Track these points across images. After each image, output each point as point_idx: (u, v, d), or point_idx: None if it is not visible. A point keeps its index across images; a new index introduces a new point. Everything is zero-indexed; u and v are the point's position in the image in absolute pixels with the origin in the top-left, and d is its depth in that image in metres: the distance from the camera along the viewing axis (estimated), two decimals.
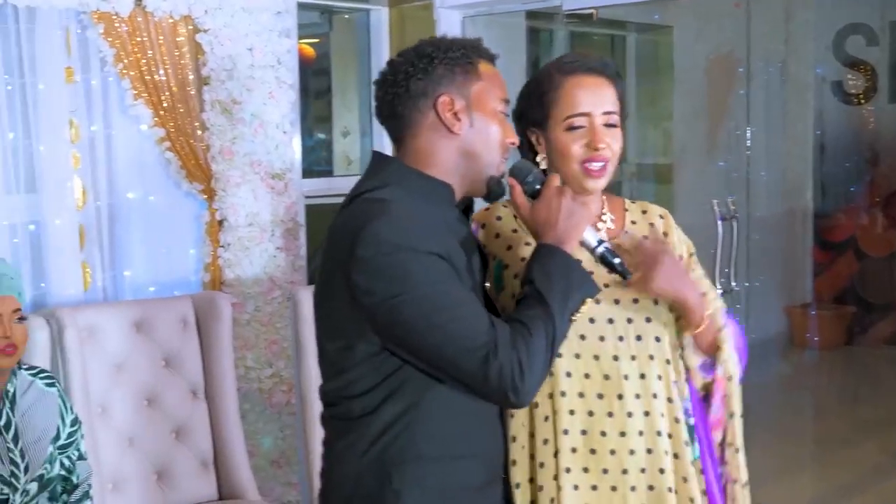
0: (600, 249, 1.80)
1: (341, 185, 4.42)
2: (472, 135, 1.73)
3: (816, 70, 7.18)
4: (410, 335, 1.60)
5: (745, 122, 6.29)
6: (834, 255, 7.34)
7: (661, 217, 2.03)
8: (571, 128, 1.88)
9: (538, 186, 1.78)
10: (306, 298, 3.18)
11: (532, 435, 1.89)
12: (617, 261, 1.80)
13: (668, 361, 1.91)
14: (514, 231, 1.97)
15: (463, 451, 1.71)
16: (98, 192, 3.44)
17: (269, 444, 3.72)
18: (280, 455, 3.73)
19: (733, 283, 4.28)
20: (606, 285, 1.88)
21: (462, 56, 1.74)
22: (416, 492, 1.66)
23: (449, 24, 4.52)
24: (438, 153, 1.73)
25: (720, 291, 4.18)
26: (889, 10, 7.03)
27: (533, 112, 1.93)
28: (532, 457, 1.88)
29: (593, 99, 1.89)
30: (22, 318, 2.53)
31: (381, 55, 4.50)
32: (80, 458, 2.67)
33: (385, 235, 1.60)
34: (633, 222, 2.01)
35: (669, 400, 1.91)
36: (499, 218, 2.00)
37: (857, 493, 4.50)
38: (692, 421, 1.94)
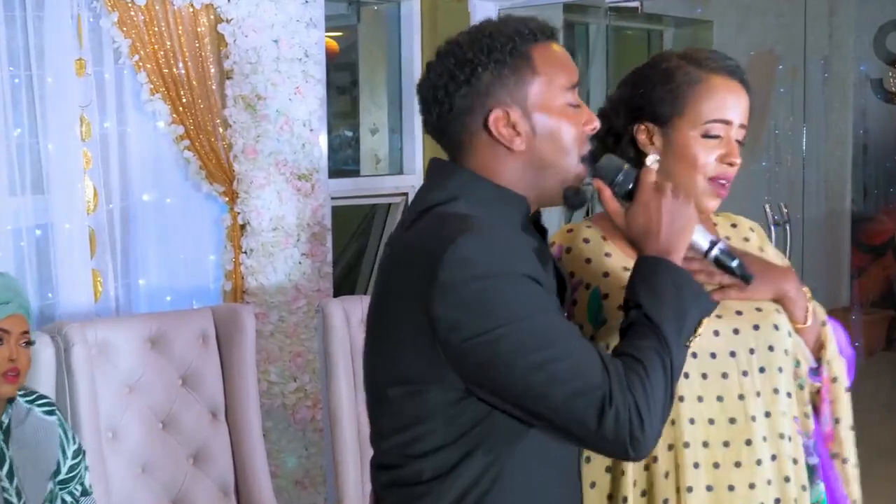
0: (715, 252, 1.51)
1: (369, 185, 4.26)
2: (538, 144, 1.46)
3: (859, 67, 7.02)
4: (509, 378, 1.33)
5: (788, 122, 6.12)
6: (873, 258, 7.24)
7: (752, 230, 1.83)
8: (708, 135, 1.63)
9: (631, 186, 1.50)
10: (336, 308, 3.00)
11: (645, 493, 1.63)
12: (736, 263, 1.51)
13: (788, 395, 1.67)
14: (608, 255, 1.72)
15: None
16: (111, 193, 3.27)
17: (294, 464, 3.55)
18: (305, 475, 3.56)
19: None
20: (719, 316, 1.62)
21: (511, 52, 1.44)
22: None
23: (484, 17, 4.32)
24: (502, 171, 1.46)
25: None
26: None
27: (656, 104, 1.67)
28: None
29: (737, 107, 1.65)
30: (29, 343, 2.32)
31: (412, 49, 4.31)
32: (84, 493, 2.44)
33: (475, 257, 1.34)
34: (727, 238, 1.75)
35: (790, 439, 1.67)
36: (586, 241, 1.75)
37: None
38: (813, 461, 1.71)
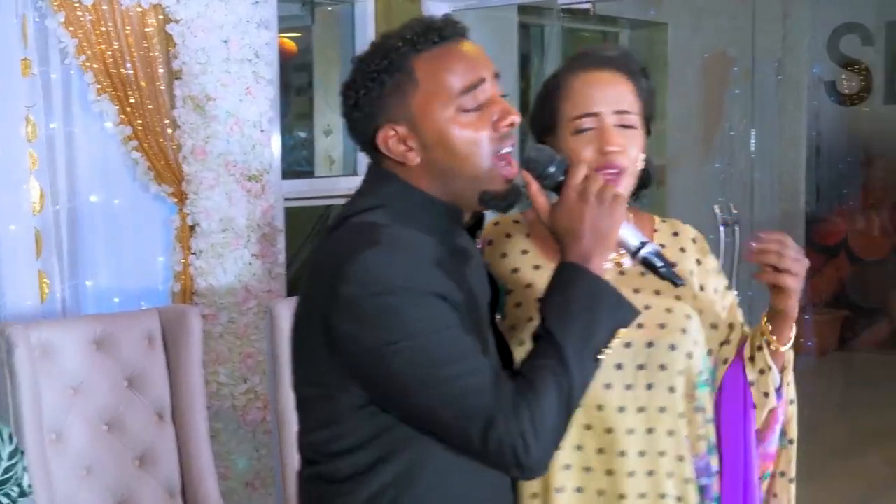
0: (644, 252, 1.48)
1: (323, 186, 4.26)
2: (433, 155, 1.42)
3: (812, 70, 7.12)
4: (400, 392, 1.34)
5: (742, 123, 6.19)
6: (826, 259, 7.34)
7: (694, 241, 1.78)
8: (579, 130, 1.63)
9: (562, 178, 1.45)
10: (284, 309, 2.96)
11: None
12: (662, 265, 1.48)
13: (681, 415, 1.66)
14: (525, 252, 1.72)
15: None
16: (57, 194, 3.24)
17: (244, 465, 3.54)
18: (255, 476, 3.55)
19: (735, 293, 4.14)
20: (619, 365, 1.64)
21: (388, 69, 1.41)
22: None
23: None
24: (417, 181, 1.44)
25: None
26: (885, 9, 7.00)
27: (541, 118, 1.70)
28: None
29: (603, 96, 1.63)
30: None
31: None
32: (23, 494, 2.42)
33: (376, 272, 1.33)
34: (663, 245, 1.73)
35: (680, 459, 1.66)
36: (508, 235, 1.76)
37: None
38: (703, 482, 1.70)
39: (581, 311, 1.36)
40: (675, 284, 1.51)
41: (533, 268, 1.70)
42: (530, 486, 1.64)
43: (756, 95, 6.43)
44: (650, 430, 1.63)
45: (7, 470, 2.37)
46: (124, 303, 3.38)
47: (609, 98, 1.63)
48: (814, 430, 5.64)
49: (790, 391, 1.73)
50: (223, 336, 3.46)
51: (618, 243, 1.46)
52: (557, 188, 1.45)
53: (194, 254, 3.44)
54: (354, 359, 1.35)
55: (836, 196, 7.42)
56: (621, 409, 1.62)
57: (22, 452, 2.43)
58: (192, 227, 3.43)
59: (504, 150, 1.44)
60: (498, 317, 1.63)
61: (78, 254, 3.30)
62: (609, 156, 1.61)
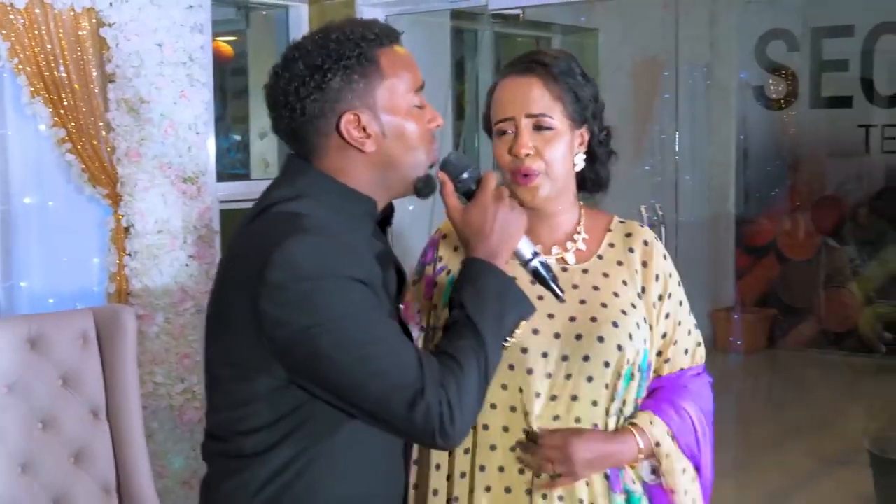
0: (534, 263, 1.61)
1: (259, 188, 4.22)
2: (388, 144, 1.53)
3: (740, 75, 7.26)
4: (329, 372, 1.41)
5: (671, 126, 6.30)
6: (755, 259, 7.46)
7: (646, 244, 1.81)
8: (500, 134, 1.74)
9: (473, 186, 1.59)
10: None
11: (450, 455, 1.75)
12: (550, 277, 1.61)
13: (594, 403, 1.73)
14: None
15: (365, 493, 1.54)
16: None
17: (181, 464, 3.56)
18: (192, 475, 3.56)
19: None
20: (551, 315, 1.72)
21: (359, 57, 1.50)
22: None
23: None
24: (353, 171, 1.53)
25: None
26: (810, 16, 7.14)
27: (484, 122, 1.81)
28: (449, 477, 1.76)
29: (518, 100, 1.72)
30: None
31: None
32: None
33: (301, 258, 1.41)
34: (612, 245, 1.80)
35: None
36: None
37: (786, 499, 4.51)
38: (607, 471, 1.76)
39: (493, 300, 1.49)
40: (558, 298, 1.62)
41: None
42: (461, 465, 1.73)
43: (685, 100, 6.56)
44: (556, 418, 1.71)
45: None
46: (59, 304, 3.38)
47: (523, 102, 1.72)
48: (742, 426, 5.82)
49: (668, 482, 1.75)
50: (159, 336, 3.48)
51: (515, 251, 1.59)
52: (466, 193, 1.59)
53: (129, 255, 3.45)
54: (282, 341, 1.41)
55: (765, 198, 7.51)
56: (537, 395, 1.70)
57: None
58: (126, 229, 3.45)
59: (430, 148, 1.58)
60: (401, 306, 1.71)
61: (12, 255, 3.30)
62: (519, 160, 1.70)
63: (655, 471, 1.76)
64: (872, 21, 6.91)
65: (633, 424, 1.74)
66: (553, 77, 1.72)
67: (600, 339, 1.70)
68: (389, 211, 1.64)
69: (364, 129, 1.51)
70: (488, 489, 1.73)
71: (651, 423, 1.73)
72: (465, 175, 1.59)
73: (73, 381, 2.98)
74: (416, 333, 1.81)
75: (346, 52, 1.49)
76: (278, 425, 1.46)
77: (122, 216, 3.43)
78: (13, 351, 2.86)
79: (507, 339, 1.51)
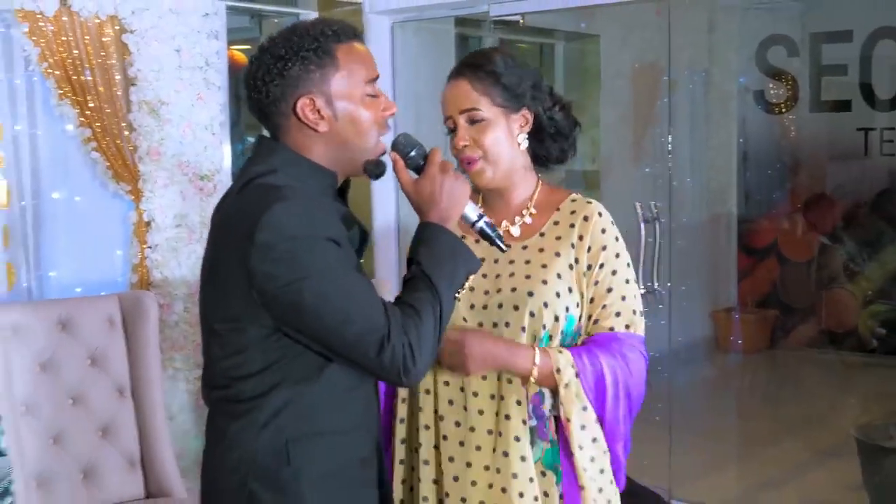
0: (480, 224, 1.82)
1: None
2: (340, 127, 1.73)
3: (740, 80, 7.36)
4: (310, 319, 1.62)
5: (670, 130, 6.41)
6: (757, 261, 7.50)
7: (586, 219, 1.95)
8: (448, 131, 1.97)
9: (422, 162, 1.80)
10: None
11: (403, 401, 2.03)
12: (495, 234, 1.82)
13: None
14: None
15: (350, 425, 1.75)
16: (23, 192, 3.44)
17: (197, 445, 3.70)
18: None
19: (656, 285, 4.39)
20: (480, 323, 1.94)
21: (317, 49, 1.70)
22: (312, 467, 1.69)
23: (379, 30, 4.56)
24: (311, 149, 1.73)
25: (643, 291, 4.31)
26: (810, 22, 7.22)
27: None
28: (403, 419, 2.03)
29: (451, 101, 1.94)
30: None
31: None
32: (0, 454, 2.65)
33: (285, 222, 1.61)
34: (556, 222, 1.98)
35: (518, 403, 1.92)
36: None
37: (779, 488, 4.62)
38: (534, 423, 1.93)
39: (446, 258, 1.71)
40: (502, 249, 1.84)
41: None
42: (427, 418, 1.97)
43: (684, 104, 6.69)
44: (498, 378, 1.92)
45: None
46: (85, 293, 3.57)
47: (454, 101, 1.93)
48: (741, 421, 5.97)
49: (565, 411, 1.89)
50: (178, 324, 3.66)
51: (462, 214, 1.79)
52: (416, 168, 1.79)
53: (150, 247, 3.63)
54: (269, 293, 1.62)
55: (766, 200, 7.60)
56: None
57: (0, 417, 2.65)
58: (147, 223, 3.63)
59: (382, 133, 1.78)
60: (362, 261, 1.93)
61: (42, 246, 3.49)
62: (461, 149, 1.93)
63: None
64: (870, 26, 6.94)
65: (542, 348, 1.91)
66: (477, 75, 1.92)
67: (515, 308, 1.91)
68: (346, 184, 1.85)
69: (318, 112, 1.71)
70: (445, 437, 1.96)
71: (560, 351, 1.90)
72: (413, 152, 1.79)
73: (100, 361, 3.19)
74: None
75: (305, 44, 1.70)
76: (271, 370, 1.66)
77: (144, 211, 3.62)
78: (46, 333, 3.07)
79: (459, 290, 1.73)
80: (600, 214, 1.96)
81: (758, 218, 7.51)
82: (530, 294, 1.91)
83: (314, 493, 1.69)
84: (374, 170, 1.78)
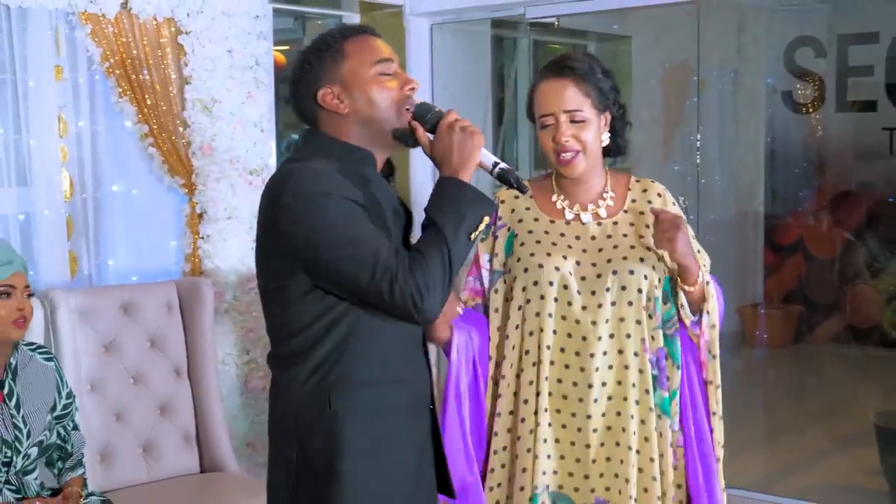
0: (497, 169, 1.96)
1: None
2: (359, 106, 1.92)
3: (767, 80, 7.44)
4: (328, 265, 1.82)
5: (700, 129, 6.51)
6: (783, 257, 7.55)
7: (660, 195, 2.31)
8: (543, 127, 2.21)
9: (437, 122, 1.94)
10: None
11: (517, 376, 2.24)
12: (514, 177, 1.96)
13: (637, 322, 2.21)
14: (528, 209, 2.30)
15: (390, 378, 1.92)
16: (84, 184, 3.59)
17: (245, 428, 3.88)
18: (255, 438, 3.89)
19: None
20: (593, 291, 2.19)
21: (326, 47, 1.94)
22: (350, 412, 1.87)
23: (418, 32, 4.73)
24: (344, 130, 1.94)
25: None
26: (837, 24, 7.27)
27: (528, 113, 2.28)
28: (516, 394, 2.25)
29: (555, 100, 2.19)
30: (31, 294, 2.72)
31: None
32: (75, 428, 2.85)
33: (304, 183, 1.83)
34: (634, 200, 2.29)
35: (636, 354, 2.21)
36: (516, 197, 2.32)
37: (801, 473, 4.78)
38: (654, 372, 2.23)
39: (451, 205, 1.86)
40: (522, 190, 2.00)
41: (533, 220, 2.28)
42: (529, 374, 2.23)
43: (713, 104, 6.79)
44: (611, 336, 2.20)
45: (65, 407, 2.81)
46: (141, 280, 3.72)
47: (559, 101, 2.20)
48: (766, 411, 6.09)
49: (711, 318, 2.24)
50: (228, 312, 3.82)
51: (480, 164, 1.94)
52: (431, 130, 1.94)
53: (202, 238, 3.80)
54: (295, 246, 1.82)
55: (792, 198, 7.65)
56: (594, 323, 2.20)
57: (75, 396, 2.85)
58: (200, 215, 3.80)
59: (406, 105, 1.95)
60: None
61: (101, 236, 3.65)
62: (561, 144, 2.18)
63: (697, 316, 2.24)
64: None
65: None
66: (581, 78, 2.20)
67: (631, 272, 2.20)
68: (390, 170, 2.06)
69: (338, 98, 1.93)
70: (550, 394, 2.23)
71: (705, 267, 2.26)
72: (429, 116, 1.94)
73: (159, 343, 3.38)
74: (487, 276, 2.32)
75: (321, 46, 1.95)
76: (315, 325, 1.86)
77: (196, 203, 3.79)
78: (110, 315, 3.27)
79: (472, 232, 1.87)
80: (666, 191, 2.33)
81: (784, 215, 7.53)
82: (641, 260, 2.21)
83: (353, 434, 1.87)
84: (403, 136, 1.95)
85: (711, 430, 2.31)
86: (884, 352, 6.89)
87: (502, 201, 2.33)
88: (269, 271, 1.90)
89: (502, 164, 1.97)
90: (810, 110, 7.47)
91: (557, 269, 2.22)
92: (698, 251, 2.30)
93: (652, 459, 2.22)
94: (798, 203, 7.63)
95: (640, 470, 2.22)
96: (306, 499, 1.89)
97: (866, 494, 4.35)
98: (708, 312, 2.23)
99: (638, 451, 2.22)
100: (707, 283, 2.23)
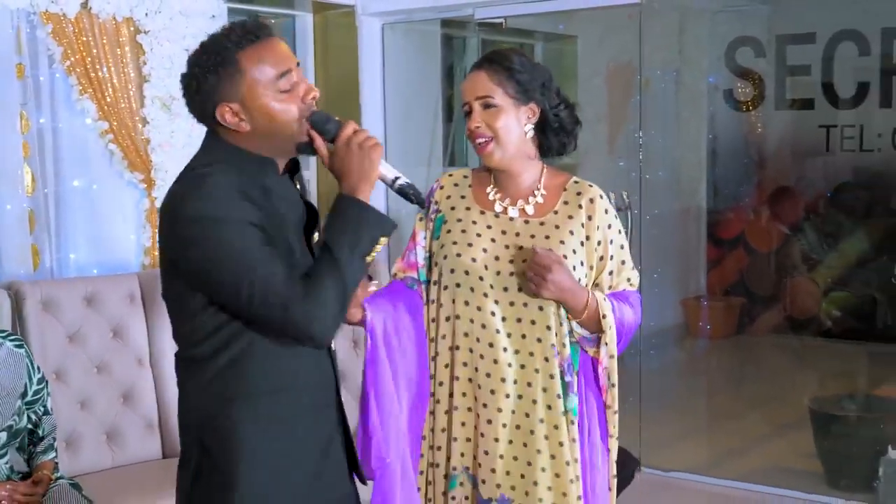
0: (398, 184, 1.91)
1: None
2: (260, 124, 1.82)
3: (709, 79, 7.60)
4: (220, 290, 1.78)
5: (642, 127, 6.66)
6: (725, 251, 7.66)
7: (591, 201, 2.24)
8: (465, 115, 2.24)
9: (336, 134, 1.87)
10: None
11: (433, 358, 2.29)
12: (413, 192, 1.92)
13: (548, 327, 2.21)
14: (463, 197, 2.31)
15: (291, 385, 1.89)
16: (46, 179, 3.67)
17: None
18: None
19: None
20: (506, 288, 2.21)
21: (221, 62, 1.80)
22: (251, 421, 1.85)
23: (370, 31, 4.84)
24: (246, 143, 1.85)
25: None
26: (775, 24, 7.45)
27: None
28: (432, 376, 2.30)
29: (469, 88, 2.22)
30: None
31: (306, 59, 4.78)
32: (46, 413, 2.94)
33: (199, 207, 1.75)
34: (566, 202, 2.24)
35: (546, 359, 2.21)
36: (456, 184, 2.34)
37: (741, 456, 4.92)
38: (567, 378, 2.22)
39: (348, 227, 1.82)
40: (421, 205, 1.97)
41: (465, 208, 2.29)
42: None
43: (656, 102, 6.94)
44: (523, 336, 2.21)
45: (36, 392, 2.89)
46: (101, 273, 3.80)
47: (472, 88, 2.21)
48: (708, 399, 6.28)
49: (608, 350, 2.21)
50: None
51: (381, 177, 1.89)
52: (332, 140, 1.87)
53: None
54: (189, 271, 1.79)
55: (733, 194, 7.74)
56: (504, 319, 2.21)
57: (47, 381, 2.94)
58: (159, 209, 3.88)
59: (308, 114, 1.86)
60: (317, 235, 2.00)
61: (63, 230, 3.73)
62: (471, 130, 2.20)
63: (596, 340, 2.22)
64: (833, 29, 7.18)
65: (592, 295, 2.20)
66: (494, 68, 2.20)
67: (540, 308, 2.19)
68: (294, 165, 2.00)
69: (237, 116, 1.82)
70: (479, 386, 2.24)
71: (604, 299, 2.21)
72: (329, 126, 1.86)
73: (122, 333, 3.47)
74: (422, 254, 2.32)
75: (211, 60, 1.82)
76: (214, 337, 1.82)
77: (156, 198, 3.86)
78: (74, 306, 3.35)
79: (368, 254, 1.84)
80: (601, 197, 2.26)
81: (725, 210, 7.62)
82: (540, 308, 2.19)
83: (252, 442, 1.84)
84: (308, 149, 1.89)
85: (608, 451, 2.29)
86: (820, 341, 7.10)
87: (441, 186, 2.33)
88: (170, 282, 1.87)
89: (402, 179, 1.93)
90: (750, 108, 7.61)
91: (474, 260, 2.22)
92: (629, 270, 2.27)
93: (567, 463, 2.21)
94: (739, 198, 7.74)
95: (556, 475, 2.22)
96: (203, 498, 1.88)
97: (803, 476, 4.46)
98: (606, 343, 2.20)
99: (553, 456, 2.21)
100: (604, 315, 2.18)
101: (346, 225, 1.81)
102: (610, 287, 2.26)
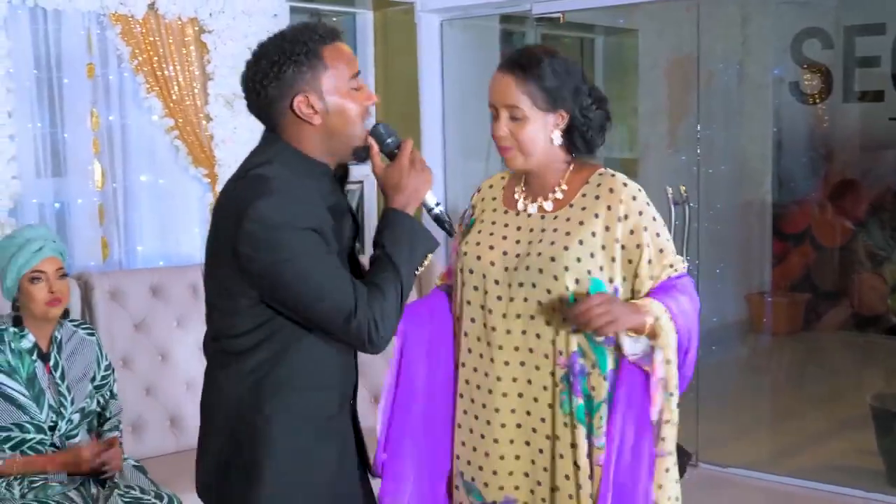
0: (435, 211, 1.98)
1: None
2: (332, 119, 1.89)
3: (774, 71, 7.50)
4: (287, 296, 1.84)
5: (703, 119, 6.61)
6: (791, 246, 7.57)
7: (611, 190, 2.10)
8: (492, 115, 2.15)
9: (396, 150, 1.95)
10: None
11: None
12: (447, 223, 2.00)
13: (548, 323, 2.11)
14: (494, 199, 2.28)
15: (321, 384, 1.95)
16: (115, 174, 3.80)
17: None
18: None
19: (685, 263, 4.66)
20: (518, 241, 2.15)
21: (307, 53, 1.85)
22: (282, 416, 1.90)
23: (429, 27, 4.90)
24: (306, 140, 1.89)
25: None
26: (843, 15, 7.32)
27: None
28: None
29: (496, 92, 2.09)
30: (64, 275, 2.90)
31: (367, 56, 4.85)
32: (112, 397, 3.08)
33: (267, 213, 1.80)
34: (584, 195, 2.13)
35: (546, 356, 2.12)
36: (491, 186, 2.32)
37: (800, 454, 4.89)
38: (571, 378, 2.10)
39: (405, 241, 1.91)
40: (451, 235, 2.06)
41: (492, 210, 2.26)
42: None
43: (718, 95, 6.89)
44: (523, 332, 2.12)
45: (104, 378, 3.04)
46: (167, 265, 3.91)
47: (500, 95, 2.08)
48: (770, 396, 6.24)
49: (665, 354, 2.05)
50: None
51: (423, 202, 1.97)
52: (389, 155, 1.96)
53: None
54: (254, 274, 1.83)
55: (800, 188, 7.65)
56: (504, 316, 2.14)
57: (113, 368, 3.08)
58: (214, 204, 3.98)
59: (365, 120, 1.96)
60: (357, 245, 2.09)
61: (130, 224, 3.86)
62: (497, 140, 2.11)
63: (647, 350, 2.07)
64: None
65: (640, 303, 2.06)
66: (523, 75, 2.06)
67: (540, 271, 2.11)
68: (344, 172, 2.06)
69: (312, 108, 1.87)
70: (478, 387, 2.20)
71: (652, 302, 2.05)
72: (389, 140, 1.95)
73: (185, 323, 3.58)
74: (455, 260, 2.29)
75: (296, 49, 1.87)
76: (257, 331, 1.87)
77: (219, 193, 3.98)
78: (139, 297, 3.48)
79: (419, 267, 1.94)
80: (625, 185, 2.11)
81: (791, 205, 7.53)
82: (552, 259, 2.09)
83: (281, 438, 1.89)
84: (363, 154, 1.96)
85: (653, 458, 2.12)
86: (886, 339, 6.96)
87: (479, 189, 2.31)
88: (219, 277, 1.89)
89: (441, 207, 2.00)
90: (817, 101, 7.51)
91: (479, 258, 2.19)
92: (670, 257, 2.12)
93: (578, 466, 2.11)
94: (805, 192, 7.59)
95: (566, 477, 2.13)
96: (228, 489, 1.92)
97: (864, 474, 4.41)
98: (661, 348, 2.05)
99: (562, 456, 2.13)
100: (657, 318, 2.03)
101: (402, 237, 1.90)
102: (651, 278, 2.12)
